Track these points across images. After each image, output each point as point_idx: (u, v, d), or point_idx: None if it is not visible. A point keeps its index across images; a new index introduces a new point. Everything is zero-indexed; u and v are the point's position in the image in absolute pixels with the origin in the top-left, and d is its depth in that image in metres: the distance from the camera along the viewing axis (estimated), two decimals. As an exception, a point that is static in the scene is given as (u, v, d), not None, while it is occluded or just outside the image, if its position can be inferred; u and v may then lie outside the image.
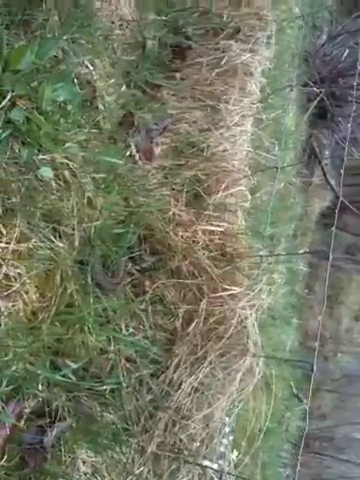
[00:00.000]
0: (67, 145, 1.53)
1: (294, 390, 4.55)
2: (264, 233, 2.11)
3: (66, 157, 1.54)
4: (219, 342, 1.75)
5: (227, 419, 1.81)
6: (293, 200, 4.34)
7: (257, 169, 2.23)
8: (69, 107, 1.53)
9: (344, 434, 5.49)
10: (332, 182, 5.38)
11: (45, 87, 1.44)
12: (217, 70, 2.24)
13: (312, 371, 1.59)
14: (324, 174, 5.31)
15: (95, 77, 1.67)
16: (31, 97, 1.44)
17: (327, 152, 5.51)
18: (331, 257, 1.69)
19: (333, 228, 1.87)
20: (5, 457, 1.36)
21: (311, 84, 4.96)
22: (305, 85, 4.85)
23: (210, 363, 1.73)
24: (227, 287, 1.80)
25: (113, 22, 1.85)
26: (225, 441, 1.90)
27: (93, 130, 1.68)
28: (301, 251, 5.14)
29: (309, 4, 4.80)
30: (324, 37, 5.81)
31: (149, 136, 1.97)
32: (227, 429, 1.87)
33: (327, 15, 5.90)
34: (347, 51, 5.54)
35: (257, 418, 1.97)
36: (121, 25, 1.92)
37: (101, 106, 1.72)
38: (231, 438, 1.91)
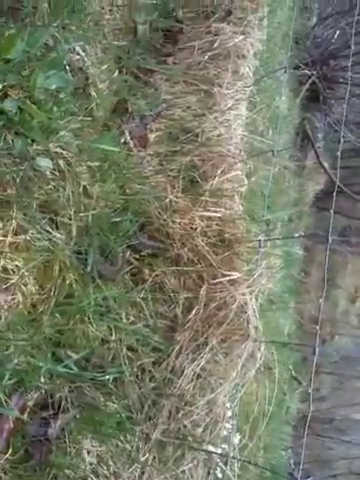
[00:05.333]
0: (61, 134, 1.50)
1: (293, 373, 4.59)
2: (261, 218, 2.09)
3: (60, 146, 1.51)
4: (220, 328, 1.74)
5: (230, 404, 1.82)
6: (288, 184, 4.33)
7: (253, 153, 2.21)
8: (62, 95, 1.50)
9: (344, 415, 5.56)
10: (326, 165, 5.37)
11: (37, 75, 1.42)
12: (209, 53, 2.20)
13: (314, 353, 1.59)
14: (317, 157, 5.30)
15: (87, 63, 1.64)
16: (23, 86, 1.42)
17: (320, 135, 5.50)
18: (330, 240, 1.69)
19: (331, 211, 1.85)
20: (10, 450, 1.35)
21: (302, 67, 4.93)
22: (296, 68, 4.82)
23: (212, 349, 1.73)
24: (226, 273, 1.79)
25: (103, 7, 1.81)
26: (229, 426, 1.90)
27: (86, 118, 1.65)
28: (297, 235, 5.15)
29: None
30: (314, 19, 5.76)
31: (143, 122, 1.94)
32: (230, 413, 1.87)
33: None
34: (338, 32, 5.49)
35: (258, 402, 1.98)
36: (111, 10, 1.88)
37: (94, 93, 1.69)
38: (234, 422, 1.92)
